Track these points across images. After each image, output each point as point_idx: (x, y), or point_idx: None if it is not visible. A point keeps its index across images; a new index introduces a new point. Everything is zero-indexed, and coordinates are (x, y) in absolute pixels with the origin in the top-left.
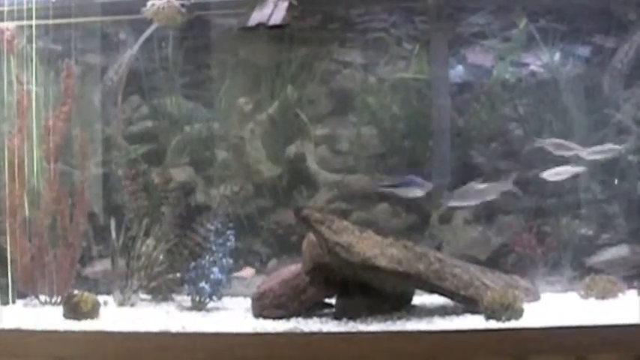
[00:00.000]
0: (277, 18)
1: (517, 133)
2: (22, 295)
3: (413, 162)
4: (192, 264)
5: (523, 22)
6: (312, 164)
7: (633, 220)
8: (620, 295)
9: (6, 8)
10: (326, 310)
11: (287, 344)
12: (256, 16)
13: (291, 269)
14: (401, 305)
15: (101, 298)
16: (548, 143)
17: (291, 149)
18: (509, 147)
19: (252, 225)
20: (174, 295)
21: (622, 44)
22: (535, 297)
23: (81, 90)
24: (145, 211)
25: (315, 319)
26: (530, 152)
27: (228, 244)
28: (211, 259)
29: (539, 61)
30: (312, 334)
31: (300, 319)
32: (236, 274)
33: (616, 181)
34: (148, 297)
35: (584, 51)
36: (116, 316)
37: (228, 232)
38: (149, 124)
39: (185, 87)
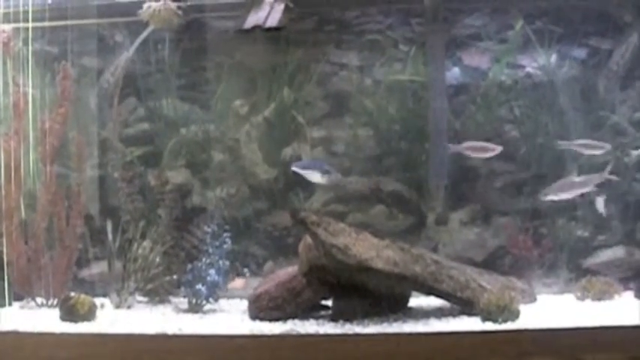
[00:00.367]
0: (273, 20)
1: (513, 135)
2: (18, 298)
3: (409, 163)
4: (189, 266)
5: (519, 24)
6: None
7: (629, 221)
8: (616, 296)
9: (2, 10)
10: (322, 312)
11: (283, 346)
12: (252, 19)
13: (288, 271)
14: (397, 307)
15: (98, 301)
16: (577, 144)
17: (287, 151)
18: (505, 148)
19: (249, 227)
20: (170, 298)
21: (618, 46)
22: (531, 299)
23: (77, 92)
24: (141, 213)
25: (312, 321)
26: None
27: (225, 246)
28: (208, 261)
29: (536, 63)
30: (309, 335)
31: (296, 321)
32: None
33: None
34: (145, 299)
35: (580, 53)
36: (113, 319)
37: (225, 234)
38: (145, 126)
39: (181, 89)
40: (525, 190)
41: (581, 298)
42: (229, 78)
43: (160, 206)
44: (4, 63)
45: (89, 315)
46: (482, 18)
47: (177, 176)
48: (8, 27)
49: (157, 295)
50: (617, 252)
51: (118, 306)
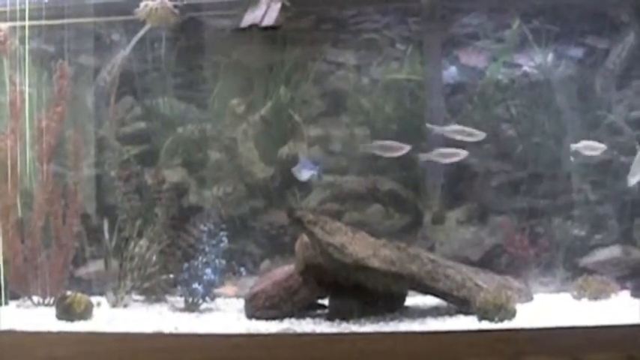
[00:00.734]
0: (270, 19)
1: (510, 134)
2: (15, 296)
3: (406, 162)
4: (186, 265)
5: (516, 23)
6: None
7: (625, 220)
8: (612, 295)
9: None
10: (319, 311)
11: (280, 345)
12: (249, 18)
13: (284, 270)
14: (394, 306)
15: (94, 299)
16: (581, 146)
17: (284, 150)
18: (502, 147)
19: (245, 226)
20: (167, 296)
21: (615, 45)
22: (528, 298)
23: (74, 91)
24: (137, 211)
25: (308, 320)
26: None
27: (221, 245)
28: (204, 260)
29: (532, 62)
30: (305, 334)
31: (293, 320)
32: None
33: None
34: (141, 298)
35: (577, 52)
36: (109, 317)
37: (221, 233)
38: (142, 125)
39: (178, 88)
40: (522, 189)
41: (578, 297)
42: (226, 77)
43: (156, 205)
44: (1, 62)
45: (86, 314)
46: (479, 17)
47: (174, 175)
48: (5, 25)
49: (154, 293)
50: (613, 251)
51: (114, 305)
